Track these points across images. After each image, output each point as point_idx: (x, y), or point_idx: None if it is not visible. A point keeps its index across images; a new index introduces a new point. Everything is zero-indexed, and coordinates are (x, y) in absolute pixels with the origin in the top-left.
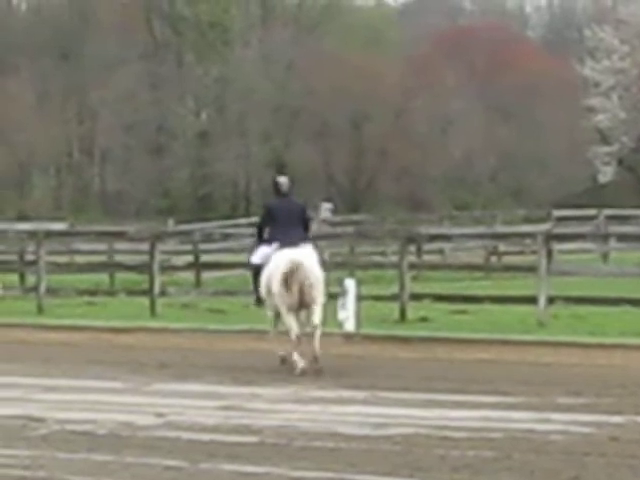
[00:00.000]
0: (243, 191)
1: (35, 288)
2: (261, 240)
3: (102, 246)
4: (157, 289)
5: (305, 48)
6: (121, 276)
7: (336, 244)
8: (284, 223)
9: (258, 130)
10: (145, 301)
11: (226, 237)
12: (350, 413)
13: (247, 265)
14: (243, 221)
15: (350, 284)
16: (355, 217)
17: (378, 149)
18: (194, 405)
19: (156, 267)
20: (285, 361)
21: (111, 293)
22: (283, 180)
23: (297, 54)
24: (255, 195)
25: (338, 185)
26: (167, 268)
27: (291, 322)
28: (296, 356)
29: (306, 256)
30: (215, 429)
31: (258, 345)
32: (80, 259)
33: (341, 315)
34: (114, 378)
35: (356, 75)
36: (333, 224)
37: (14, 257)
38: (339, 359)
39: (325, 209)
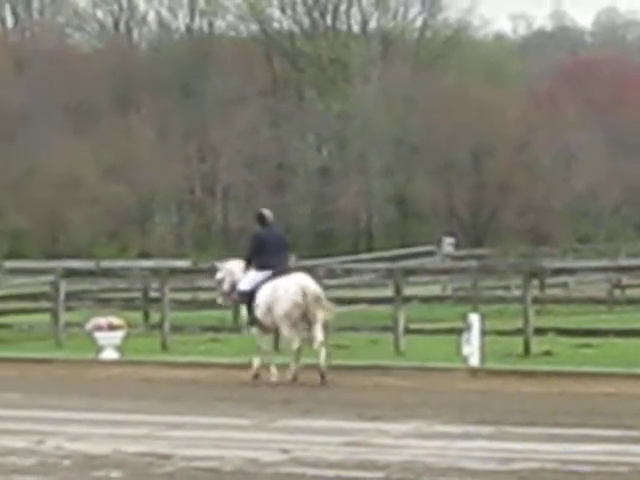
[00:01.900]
0: (365, 226)
1: (159, 325)
2: (249, 267)
3: None
4: None
5: (425, 83)
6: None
7: (459, 278)
8: (273, 251)
9: (379, 165)
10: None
11: (348, 272)
12: (475, 448)
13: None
14: (365, 256)
15: (474, 319)
16: (478, 251)
17: (500, 183)
18: (319, 441)
19: None
20: (258, 377)
21: (235, 329)
22: (267, 212)
23: (417, 89)
24: (377, 230)
25: (460, 219)
26: None
27: (294, 336)
28: (273, 369)
29: (310, 281)
30: (340, 465)
31: (383, 380)
32: (203, 296)
33: (466, 350)
34: (239, 415)
35: (477, 109)
36: (456, 258)
37: (138, 294)
38: (464, 394)
39: (447, 243)
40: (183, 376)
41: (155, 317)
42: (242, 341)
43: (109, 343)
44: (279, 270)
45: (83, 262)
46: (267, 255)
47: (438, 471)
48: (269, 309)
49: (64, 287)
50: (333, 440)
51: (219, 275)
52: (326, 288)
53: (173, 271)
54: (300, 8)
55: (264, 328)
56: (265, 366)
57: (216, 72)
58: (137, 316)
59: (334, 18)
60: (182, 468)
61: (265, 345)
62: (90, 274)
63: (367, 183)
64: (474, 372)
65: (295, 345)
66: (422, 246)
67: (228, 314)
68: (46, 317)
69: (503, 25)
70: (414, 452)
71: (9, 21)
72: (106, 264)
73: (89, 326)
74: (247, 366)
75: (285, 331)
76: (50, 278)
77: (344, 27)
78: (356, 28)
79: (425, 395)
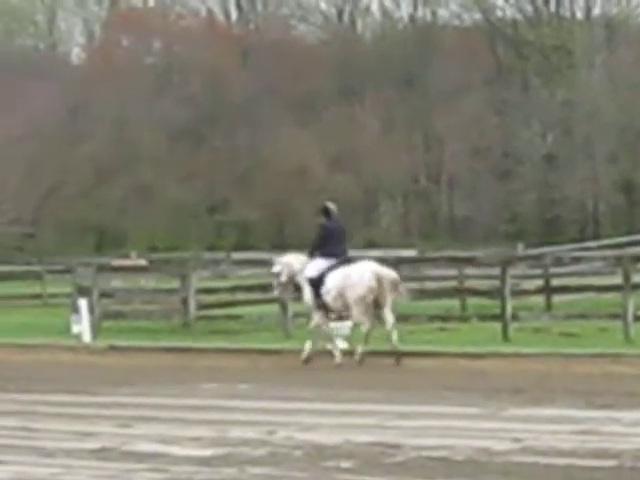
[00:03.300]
0: (591, 213)
1: None
2: (314, 255)
3: (452, 272)
4: (509, 314)
5: None
6: (472, 301)
7: None
8: (337, 241)
9: (605, 152)
10: (497, 326)
11: (576, 260)
12: None
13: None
14: (592, 244)
15: None
16: None
17: None
18: (549, 430)
19: (507, 292)
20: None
21: (463, 319)
22: (332, 206)
23: None
24: (604, 217)
25: None
26: (518, 292)
27: (365, 319)
28: (338, 352)
29: (382, 267)
30: (572, 453)
31: (612, 368)
32: (430, 285)
33: None
34: (469, 404)
35: None
36: None
37: None
38: None
39: None
40: (411, 366)
41: None
42: (470, 330)
43: (338, 333)
44: (344, 258)
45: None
46: (332, 244)
47: None
48: (341, 294)
49: None
50: (563, 429)
51: (276, 268)
52: (553, 276)
53: (400, 261)
54: None
55: (329, 313)
56: (329, 350)
57: (440, 61)
58: None
59: (558, 5)
60: (413, 458)
61: (328, 329)
62: None
63: (593, 170)
64: None
65: (365, 328)
66: None
67: (455, 303)
68: (275, 308)
69: None
70: None
71: (233, 14)
72: None
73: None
74: (475, 355)
75: (357, 314)
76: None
77: (567, 14)
78: (580, 15)
79: None
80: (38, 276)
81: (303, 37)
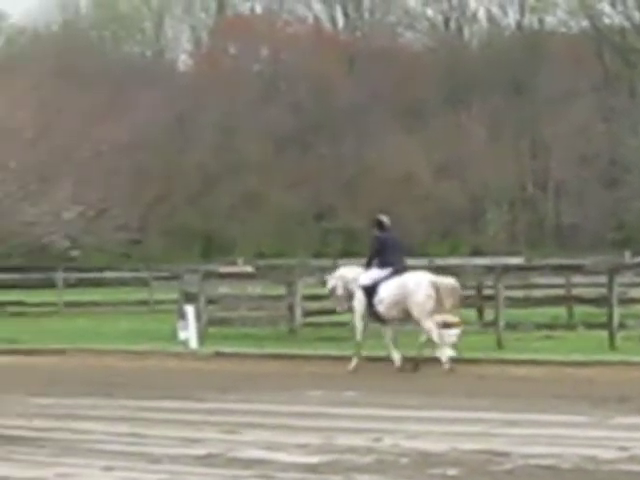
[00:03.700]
0: None
1: (494, 323)
2: (370, 265)
3: (559, 280)
4: (616, 322)
5: None
6: (579, 309)
7: None
8: (391, 252)
9: None
10: (604, 334)
11: None
12: None
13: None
14: None
15: None
16: None
17: None
18: None
19: (614, 300)
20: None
21: (569, 327)
22: (385, 218)
23: None
24: None
25: None
26: (625, 300)
27: (431, 325)
28: (397, 355)
29: (437, 277)
30: None
31: None
32: (537, 293)
33: None
34: (575, 412)
35: None
36: None
37: (472, 292)
38: None
39: None
40: (518, 374)
41: (489, 314)
42: (577, 339)
43: (444, 340)
44: (398, 268)
45: (416, 260)
46: (386, 255)
47: None
48: (396, 303)
49: None
50: None
51: (330, 284)
52: None
53: (507, 268)
54: (631, 3)
55: (381, 320)
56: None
57: (547, 68)
58: (471, 314)
59: None
60: (520, 466)
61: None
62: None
63: None
64: None
65: (435, 337)
66: None
67: (562, 311)
68: None
69: None
70: None
71: (340, 21)
72: (439, 262)
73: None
74: (582, 363)
75: (426, 324)
76: None
77: None
78: None
79: None
80: (145, 282)
81: (409, 44)
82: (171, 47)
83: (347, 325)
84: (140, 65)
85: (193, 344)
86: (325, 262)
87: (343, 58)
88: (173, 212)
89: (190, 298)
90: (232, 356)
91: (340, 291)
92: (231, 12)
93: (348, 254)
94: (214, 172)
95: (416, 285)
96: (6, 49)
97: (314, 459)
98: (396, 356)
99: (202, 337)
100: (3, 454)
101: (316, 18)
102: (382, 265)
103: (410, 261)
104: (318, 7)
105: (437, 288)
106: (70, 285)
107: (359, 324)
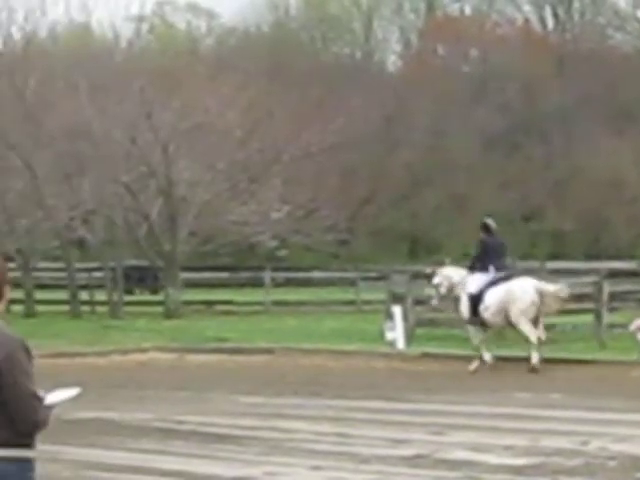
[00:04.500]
0: None
1: None
2: (474, 269)
3: None
4: None
5: None
6: None
7: None
8: (496, 255)
9: None
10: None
11: None
12: None
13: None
14: None
15: None
16: None
17: None
18: None
19: None
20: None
21: None
22: (491, 222)
23: None
24: None
25: None
26: None
27: (531, 330)
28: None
29: (540, 282)
30: None
31: None
32: None
33: None
34: None
35: None
36: None
37: None
38: None
39: None
40: None
41: None
42: None
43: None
44: (504, 273)
45: (625, 263)
46: (491, 259)
47: None
48: (501, 309)
49: (607, 288)
50: None
51: (436, 280)
52: None
53: None
54: None
55: (484, 326)
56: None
57: None
58: None
59: None
60: None
61: (478, 340)
62: (633, 275)
63: None
64: None
65: (533, 338)
66: None
67: None
68: (589, 318)
69: None
70: None
71: (550, 22)
72: None
73: (632, 327)
74: None
75: (524, 327)
76: (593, 279)
77: None
78: None
79: None
80: (352, 283)
81: (619, 46)
82: (380, 48)
83: (554, 328)
84: (350, 66)
85: (400, 345)
86: (533, 264)
87: (552, 59)
88: (380, 213)
89: (398, 299)
90: (439, 357)
91: (443, 290)
92: (440, 13)
93: (556, 256)
94: (422, 173)
95: (522, 292)
96: (216, 49)
97: (521, 461)
98: (487, 356)
99: (409, 338)
100: (210, 452)
101: (526, 20)
102: (485, 269)
103: (618, 264)
104: (527, 8)
105: (542, 295)
106: (278, 284)
107: (470, 329)
